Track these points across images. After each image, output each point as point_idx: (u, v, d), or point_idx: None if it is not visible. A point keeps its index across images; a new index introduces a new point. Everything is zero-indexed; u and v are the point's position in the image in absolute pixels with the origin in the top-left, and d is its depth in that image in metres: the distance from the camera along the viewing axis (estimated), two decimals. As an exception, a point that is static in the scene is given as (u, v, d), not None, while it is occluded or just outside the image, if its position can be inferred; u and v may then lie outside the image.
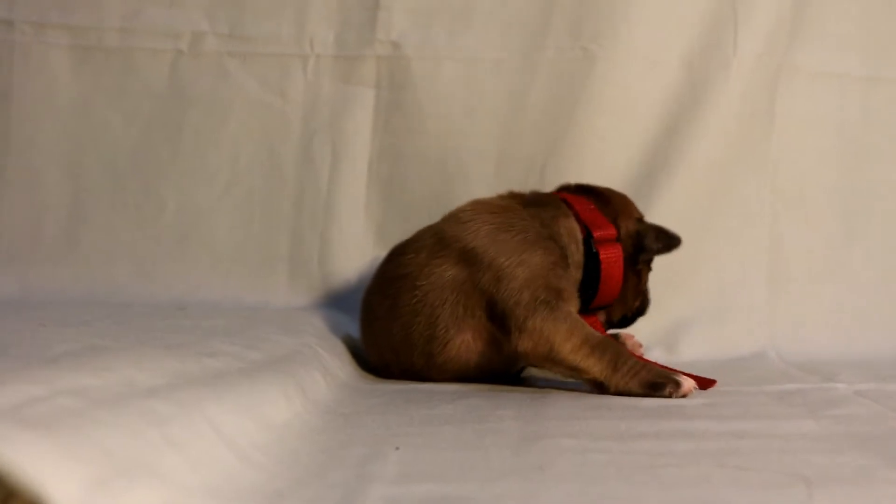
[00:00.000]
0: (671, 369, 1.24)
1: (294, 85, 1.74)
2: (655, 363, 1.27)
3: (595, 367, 1.22)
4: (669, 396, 1.20)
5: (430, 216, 1.65)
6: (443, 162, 1.72)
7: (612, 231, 1.37)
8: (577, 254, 1.35)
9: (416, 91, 1.72)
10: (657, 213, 1.64)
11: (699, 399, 1.21)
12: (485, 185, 1.70)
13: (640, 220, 1.43)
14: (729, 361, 1.56)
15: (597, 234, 1.36)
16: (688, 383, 1.21)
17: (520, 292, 1.25)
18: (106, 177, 1.76)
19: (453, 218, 1.38)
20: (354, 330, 1.53)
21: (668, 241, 1.40)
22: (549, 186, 1.67)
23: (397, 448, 0.92)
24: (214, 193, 1.75)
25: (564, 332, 1.22)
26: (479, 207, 1.38)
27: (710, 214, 1.69)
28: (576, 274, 1.35)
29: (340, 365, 1.36)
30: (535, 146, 1.70)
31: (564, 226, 1.35)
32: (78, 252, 1.75)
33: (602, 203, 1.40)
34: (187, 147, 1.75)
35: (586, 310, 1.37)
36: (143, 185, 1.75)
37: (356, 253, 1.72)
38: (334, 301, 1.71)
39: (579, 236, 1.36)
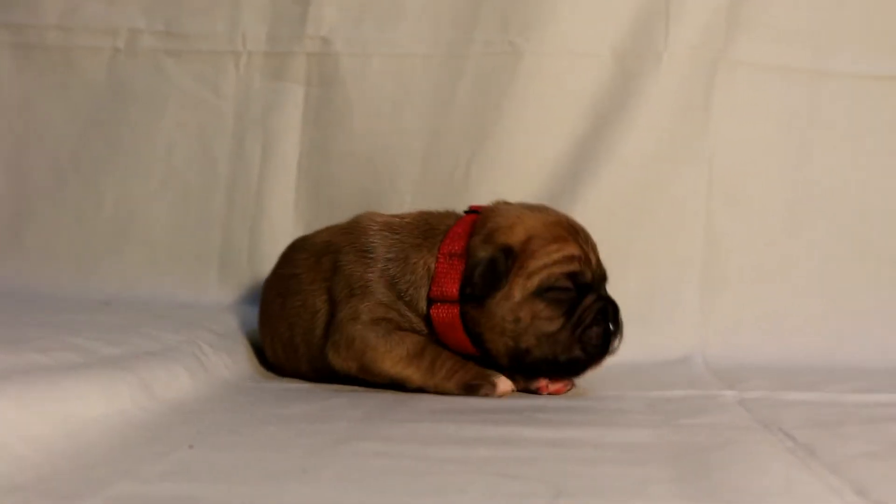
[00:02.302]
0: (489, 371, 1.24)
1: (227, 82, 1.75)
2: (476, 365, 1.25)
3: (413, 374, 1.23)
4: (486, 396, 1.20)
5: (357, 212, 1.65)
6: (371, 159, 1.71)
7: (452, 288, 1.25)
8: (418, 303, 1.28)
9: (346, 87, 1.70)
10: (586, 209, 1.60)
11: (561, 403, 1.20)
12: (411, 181, 1.69)
13: (506, 247, 1.24)
14: (650, 366, 1.51)
15: (434, 290, 1.26)
16: (503, 385, 1.21)
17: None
18: (48, 174, 1.79)
19: (350, 226, 1.38)
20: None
21: (489, 283, 1.23)
22: (475, 183, 1.65)
23: (190, 446, 0.92)
24: (150, 189, 1.77)
25: (383, 351, 1.24)
26: (374, 221, 1.35)
27: (642, 210, 1.63)
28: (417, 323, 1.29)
29: (230, 363, 1.36)
30: (461, 142, 1.67)
31: (420, 271, 1.28)
32: (22, 247, 1.79)
33: (479, 225, 1.28)
34: (125, 144, 1.77)
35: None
36: (84, 182, 1.78)
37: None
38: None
39: (423, 291, 1.27)
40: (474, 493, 0.77)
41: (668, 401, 1.23)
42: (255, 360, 1.46)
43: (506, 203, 1.34)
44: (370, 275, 1.28)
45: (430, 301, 1.26)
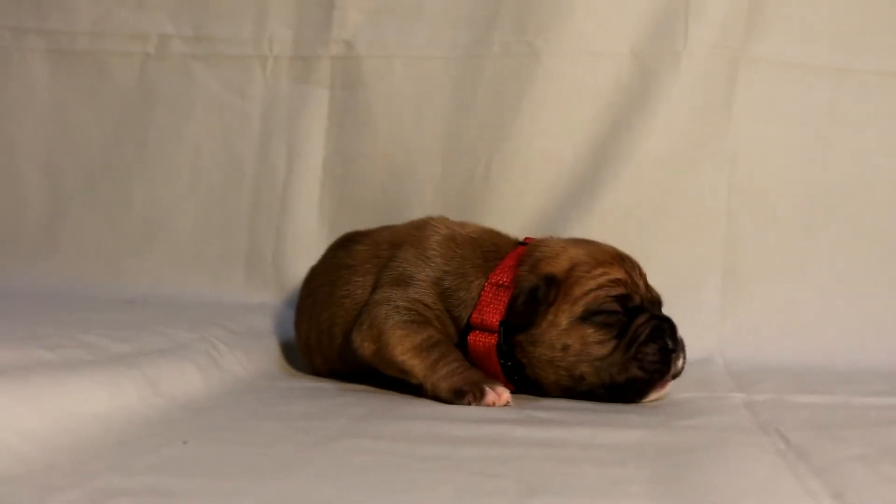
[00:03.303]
0: (486, 380, 1.19)
1: (253, 85, 1.78)
2: (479, 373, 1.21)
3: (418, 366, 1.21)
4: (469, 404, 1.16)
5: (379, 213, 1.68)
6: (393, 160, 1.72)
7: (492, 318, 1.25)
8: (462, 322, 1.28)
9: (368, 90, 1.72)
10: (605, 211, 1.60)
11: (565, 404, 1.19)
12: (432, 182, 1.70)
13: (549, 276, 1.23)
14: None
15: (475, 317, 1.26)
16: (491, 396, 1.16)
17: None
18: (80, 176, 1.84)
19: (417, 224, 1.39)
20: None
21: (530, 310, 1.22)
22: (494, 183, 1.66)
23: (185, 442, 0.94)
24: (178, 191, 1.81)
25: (400, 335, 1.23)
26: (441, 228, 1.34)
27: (661, 211, 1.62)
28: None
29: (245, 361, 1.38)
30: (480, 143, 1.68)
31: (474, 292, 1.27)
32: (55, 248, 1.84)
33: (525, 256, 1.28)
34: (154, 146, 1.81)
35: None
36: (114, 184, 1.83)
37: (310, 250, 1.72)
38: (287, 297, 1.74)
39: (470, 311, 1.27)
40: (445, 490, 0.78)
41: (673, 402, 1.23)
42: (275, 358, 1.48)
43: (555, 237, 1.35)
44: (421, 275, 1.28)
45: (470, 327, 1.26)
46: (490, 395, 1.16)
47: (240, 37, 1.77)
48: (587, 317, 1.22)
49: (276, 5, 1.76)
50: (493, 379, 1.20)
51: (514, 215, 1.61)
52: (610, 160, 1.62)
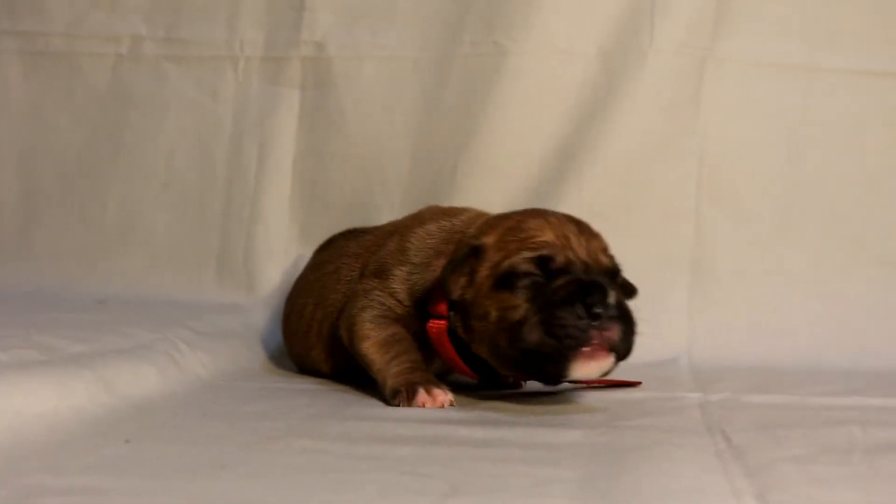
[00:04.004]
0: (425, 381, 1.16)
1: (225, 86, 1.79)
2: (425, 374, 1.19)
3: (377, 361, 1.21)
4: (398, 405, 1.14)
5: (349, 213, 1.69)
6: (363, 160, 1.74)
7: (443, 307, 1.20)
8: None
9: (338, 91, 1.73)
10: (572, 209, 1.57)
11: (523, 406, 1.19)
12: (400, 182, 1.71)
13: (476, 246, 1.17)
14: (634, 367, 1.49)
15: (430, 306, 1.22)
16: (421, 397, 1.13)
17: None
18: (54, 177, 1.86)
19: (413, 215, 1.39)
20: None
21: (443, 285, 1.17)
22: (461, 182, 1.67)
23: (127, 441, 0.94)
24: (152, 191, 1.82)
25: (368, 328, 1.23)
26: (427, 220, 1.33)
27: (629, 210, 1.62)
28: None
29: (207, 361, 1.39)
30: (448, 142, 1.69)
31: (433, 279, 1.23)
32: (28, 248, 1.86)
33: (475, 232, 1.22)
34: (128, 147, 1.83)
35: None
36: (89, 185, 1.84)
37: (280, 251, 1.76)
38: (258, 298, 1.74)
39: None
40: (370, 489, 0.78)
41: (625, 402, 1.23)
42: (238, 359, 1.48)
43: (516, 210, 1.25)
44: (396, 270, 1.27)
45: (429, 316, 1.22)
46: (420, 396, 1.13)
47: (212, 38, 1.79)
48: (502, 281, 1.12)
49: (248, 7, 1.77)
50: (435, 379, 1.18)
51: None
52: (577, 159, 1.63)
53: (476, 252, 1.16)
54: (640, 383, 1.34)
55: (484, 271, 1.15)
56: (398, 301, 1.26)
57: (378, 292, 1.26)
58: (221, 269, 1.79)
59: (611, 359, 1.09)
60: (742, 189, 1.63)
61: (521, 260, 1.11)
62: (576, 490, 0.79)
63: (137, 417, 1.07)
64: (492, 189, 1.65)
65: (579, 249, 1.13)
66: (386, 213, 1.67)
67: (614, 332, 1.08)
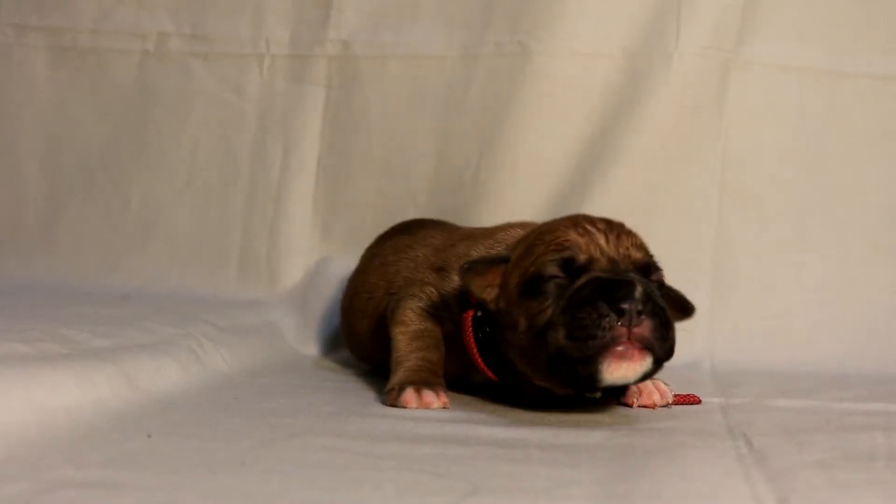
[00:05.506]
0: (428, 381, 1.15)
1: (250, 84, 1.79)
2: (428, 374, 1.18)
3: (400, 349, 1.21)
4: (383, 403, 1.15)
5: (373, 212, 1.69)
6: (386, 160, 1.74)
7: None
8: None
9: (363, 89, 1.74)
10: (594, 210, 1.58)
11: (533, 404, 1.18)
12: (425, 181, 1.72)
13: (501, 258, 1.17)
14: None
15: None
16: (406, 396, 1.12)
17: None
18: (79, 172, 1.86)
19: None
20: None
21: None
22: (483, 183, 1.67)
23: (148, 436, 0.95)
24: (175, 188, 1.83)
25: (409, 316, 1.24)
26: (505, 226, 1.32)
27: (651, 213, 1.61)
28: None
29: (229, 357, 1.39)
30: (471, 143, 1.68)
31: None
32: (52, 243, 1.87)
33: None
34: (152, 143, 1.83)
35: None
36: (112, 180, 1.85)
37: (303, 248, 1.76)
38: (280, 295, 1.75)
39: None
40: (389, 488, 0.78)
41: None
42: (260, 355, 1.48)
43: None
44: (455, 275, 1.24)
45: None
46: (405, 396, 1.13)
47: (238, 35, 1.79)
48: (528, 287, 1.08)
49: (274, 5, 1.78)
50: (436, 381, 1.16)
51: (504, 215, 1.60)
52: (600, 160, 1.62)
53: (505, 261, 1.15)
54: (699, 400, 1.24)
55: (513, 280, 1.12)
56: (446, 303, 1.24)
57: (432, 289, 1.26)
58: (244, 265, 1.79)
59: (647, 359, 1.03)
60: (764, 193, 1.62)
61: (545, 263, 1.08)
62: (596, 492, 0.79)
63: (159, 412, 1.08)
64: (515, 189, 1.65)
65: (606, 247, 1.08)
66: (410, 210, 1.67)
67: (645, 328, 1.01)
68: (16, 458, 0.84)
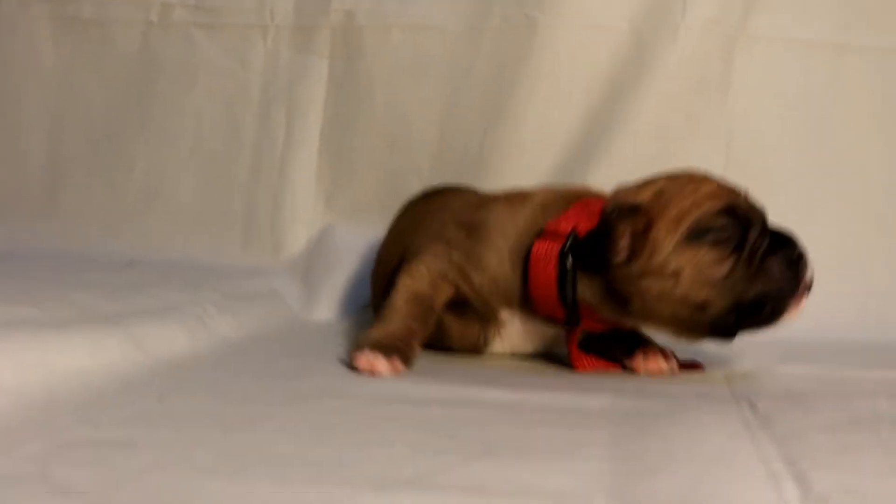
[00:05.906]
0: (389, 347, 1.12)
1: (255, 54, 1.80)
2: (402, 341, 1.14)
3: (395, 303, 1.19)
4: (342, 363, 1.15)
5: (376, 182, 1.69)
6: (389, 131, 1.73)
7: (564, 226, 1.17)
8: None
9: (367, 61, 1.73)
10: (599, 182, 1.58)
11: (554, 370, 1.20)
12: (428, 152, 1.71)
13: (632, 206, 1.13)
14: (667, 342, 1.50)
15: (549, 226, 1.18)
16: (362, 360, 1.10)
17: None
18: (82, 140, 1.87)
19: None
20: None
21: (596, 247, 1.13)
22: (488, 154, 1.67)
23: (161, 398, 0.96)
24: (179, 157, 1.83)
25: (419, 272, 1.22)
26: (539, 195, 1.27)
27: (656, 185, 1.61)
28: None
29: (234, 324, 1.39)
30: (477, 114, 1.68)
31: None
32: (56, 210, 1.88)
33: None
34: (156, 113, 1.84)
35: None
36: (116, 149, 1.85)
37: (306, 217, 1.77)
38: (284, 263, 1.75)
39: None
40: (399, 447, 0.79)
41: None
42: (265, 322, 1.48)
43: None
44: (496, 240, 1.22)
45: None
46: (361, 359, 1.10)
47: (242, 6, 1.79)
48: (695, 236, 1.09)
49: (278, -26, 1.77)
50: (398, 348, 1.12)
51: (508, 186, 1.61)
52: (605, 133, 1.62)
53: (634, 211, 1.12)
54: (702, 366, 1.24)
55: (660, 229, 1.10)
56: (466, 278, 1.22)
57: (457, 254, 1.23)
58: (248, 234, 1.80)
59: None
60: (769, 166, 1.62)
61: (713, 213, 1.10)
62: (608, 452, 0.79)
63: (169, 375, 1.08)
64: (519, 161, 1.64)
65: (740, 194, 1.15)
66: (414, 181, 1.67)
67: (809, 272, 1.13)
68: (31, 420, 0.85)
